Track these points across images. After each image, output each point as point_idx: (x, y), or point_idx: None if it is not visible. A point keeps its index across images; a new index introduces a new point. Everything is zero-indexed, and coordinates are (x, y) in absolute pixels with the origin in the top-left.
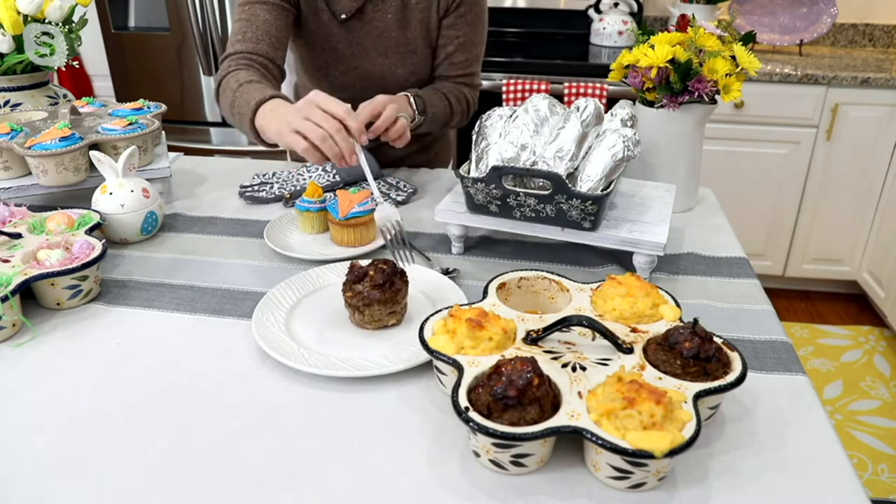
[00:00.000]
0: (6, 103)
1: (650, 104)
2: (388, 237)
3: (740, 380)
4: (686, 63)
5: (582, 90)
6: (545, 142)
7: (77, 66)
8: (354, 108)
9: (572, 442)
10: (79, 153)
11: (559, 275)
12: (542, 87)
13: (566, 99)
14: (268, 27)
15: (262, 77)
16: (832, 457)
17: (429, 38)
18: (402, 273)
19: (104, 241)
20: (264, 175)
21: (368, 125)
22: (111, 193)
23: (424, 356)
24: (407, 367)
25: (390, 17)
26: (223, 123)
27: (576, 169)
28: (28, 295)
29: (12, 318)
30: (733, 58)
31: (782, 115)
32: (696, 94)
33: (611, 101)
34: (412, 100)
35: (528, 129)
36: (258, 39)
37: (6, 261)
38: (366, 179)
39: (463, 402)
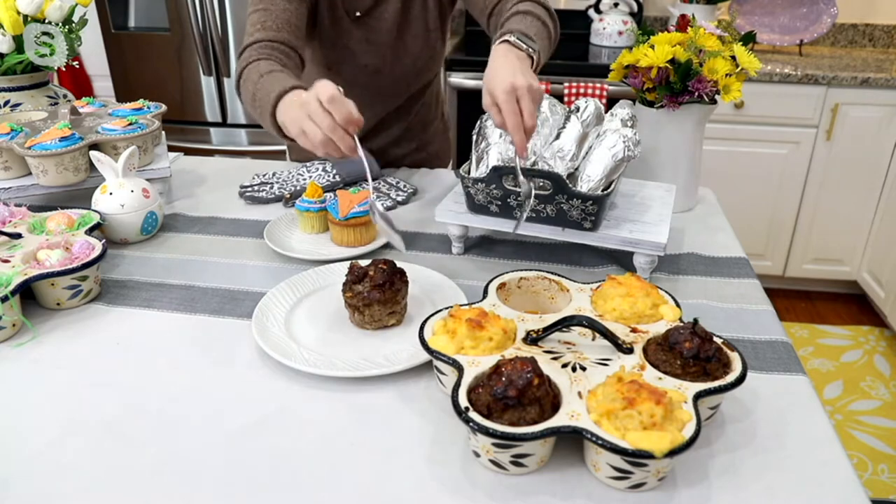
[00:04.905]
0: (6, 103)
1: (650, 104)
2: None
3: (740, 380)
4: (686, 63)
5: (582, 90)
6: (545, 142)
7: (77, 66)
8: (370, 101)
9: (572, 442)
10: (79, 153)
11: (559, 275)
12: (542, 87)
13: (566, 99)
14: (287, 16)
15: (284, 66)
16: (832, 457)
17: (442, 18)
18: (402, 273)
19: (104, 241)
20: (264, 175)
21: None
22: (111, 193)
23: (424, 356)
24: (407, 367)
25: (400, 6)
26: (223, 123)
27: (576, 169)
28: (28, 295)
29: (12, 318)
30: (733, 58)
31: (782, 115)
32: (696, 94)
33: (611, 101)
34: (519, 40)
35: None
36: (279, 28)
37: (6, 261)
38: (366, 179)
39: (463, 402)
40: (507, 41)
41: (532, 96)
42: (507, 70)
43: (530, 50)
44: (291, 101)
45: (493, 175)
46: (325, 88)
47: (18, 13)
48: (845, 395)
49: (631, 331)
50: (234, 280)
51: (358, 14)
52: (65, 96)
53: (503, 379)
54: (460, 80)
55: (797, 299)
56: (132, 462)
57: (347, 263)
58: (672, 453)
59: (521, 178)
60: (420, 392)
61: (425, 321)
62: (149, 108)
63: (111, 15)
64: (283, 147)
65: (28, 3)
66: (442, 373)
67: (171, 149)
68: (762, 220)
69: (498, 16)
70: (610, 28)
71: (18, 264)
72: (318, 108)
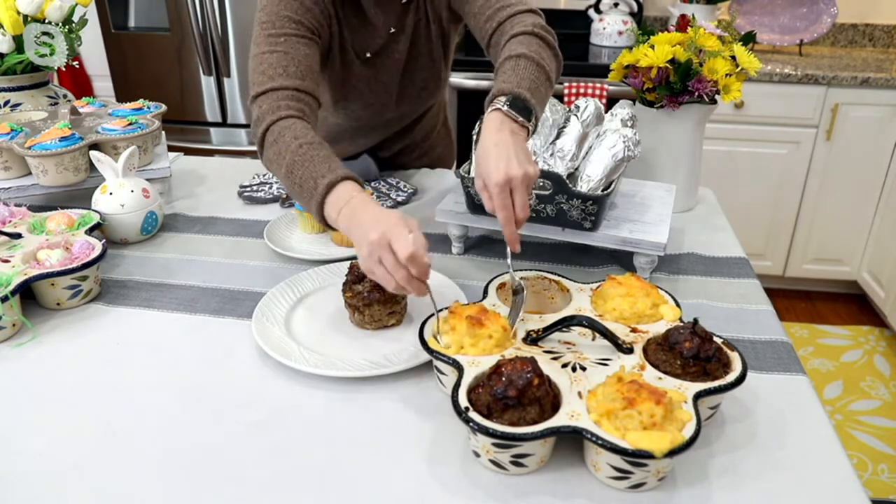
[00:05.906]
0: (6, 103)
1: (650, 104)
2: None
3: (740, 380)
4: (686, 63)
5: (582, 90)
6: (545, 142)
7: (77, 66)
8: (373, 129)
9: (572, 442)
10: (79, 153)
11: (559, 275)
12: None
13: (566, 99)
14: (309, 62)
15: (311, 123)
16: (832, 457)
17: (445, 45)
18: None
19: (104, 241)
20: (264, 175)
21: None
22: (111, 193)
23: (424, 356)
24: (407, 367)
25: (408, 45)
26: (223, 123)
27: (576, 169)
28: (28, 295)
29: (12, 318)
30: (733, 58)
31: (782, 115)
32: (696, 94)
33: (611, 101)
34: (512, 110)
35: None
36: (303, 76)
37: (6, 261)
38: (367, 180)
39: (463, 402)
40: (499, 110)
41: (526, 184)
42: (501, 156)
43: (524, 120)
44: (349, 198)
45: None
46: (404, 244)
47: (18, 13)
48: (845, 395)
49: (631, 331)
50: (234, 280)
51: (368, 55)
52: (65, 96)
53: (503, 379)
54: (460, 80)
55: (797, 299)
56: (132, 462)
57: (347, 263)
58: (672, 453)
59: (514, 274)
60: (420, 392)
61: (425, 321)
62: (149, 108)
63: (111, 15)
64: None
65: (28, 3)
66: (442, 373)
67: (171, 149)
68: (762, 220)
69: (495, 48)
70: (610, 28)
71: (18, 264)
72: (393, 262)
